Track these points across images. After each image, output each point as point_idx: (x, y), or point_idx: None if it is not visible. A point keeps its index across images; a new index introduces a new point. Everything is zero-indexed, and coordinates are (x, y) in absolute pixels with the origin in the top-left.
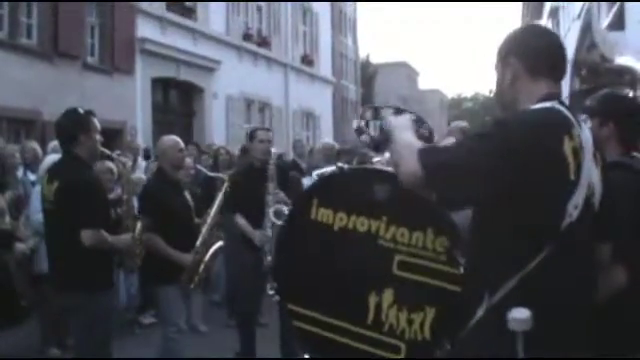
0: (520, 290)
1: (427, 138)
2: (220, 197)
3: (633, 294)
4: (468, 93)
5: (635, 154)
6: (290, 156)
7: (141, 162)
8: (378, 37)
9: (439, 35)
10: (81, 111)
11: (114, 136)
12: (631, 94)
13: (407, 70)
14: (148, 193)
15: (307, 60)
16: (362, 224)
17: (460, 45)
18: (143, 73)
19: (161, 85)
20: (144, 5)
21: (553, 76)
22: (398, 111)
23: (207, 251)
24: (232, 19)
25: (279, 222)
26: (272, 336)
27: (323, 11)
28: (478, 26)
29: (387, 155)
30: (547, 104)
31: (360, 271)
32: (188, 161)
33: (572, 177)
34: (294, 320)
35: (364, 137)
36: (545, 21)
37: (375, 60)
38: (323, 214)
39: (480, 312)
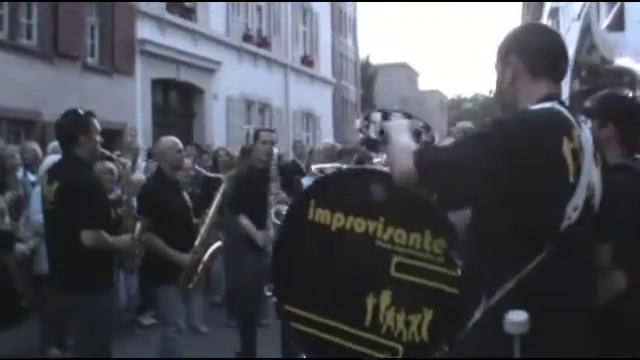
0: (518, 292)
1: (430, 144)
2: (218, 197)
3: (633, 297)
4: (468, 94)
5: (638, 156)
6: (290, 157)
7: (141, 163)
8: (378, 38)
9: (439, 35)
10: (81, 112)
11: (114, 137)
12: (630, 95)
13: (407, 71)
14: (147, 193)
15: (307, 61)
16: (360, 225)
17: (460, 46)
18: (143, 74)
19: (161, 86)
20: (144, 6)
21: (554, 76)
22: (407, 116)
23: (206, 251)
24: (232, 20)
25: (279, 222)
26: (273, 336)
27: (323, 12)
28: (478, 26)
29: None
30: (547, 104)
31: (358, 272)
32: (187, 162)
33: (571, 179)
34: (291, 321)
35: (362, 136)
36: (545, 21)
37: (375, 61)
38: (320, 215)
39: (477, 314)
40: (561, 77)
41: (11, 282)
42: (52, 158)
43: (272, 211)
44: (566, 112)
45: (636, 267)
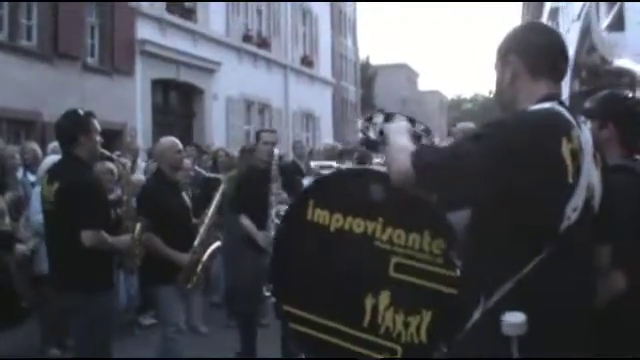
0: (516, 293)
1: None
2: (218, 198)
3: (633, 298)
4: (468, 94)
5: (638, 157)
6: (290, 157)
7: (141, 163)
8: (378, 38)
9: (439, 36)
10: (81, 112)
11: (114, 137)
12: (630, 95)
13: (407, 71)
14: (146, 194)
15: (307, 61)
16: (358, 225)
17: (460, 46)
18: (143, 74)
19: (161, 86)
20: (144, 6)
21: (554, 76)
22: (410, 120)
23: (205, 251)
24: (232, 20)
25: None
26: (273, 336)
27: (323, 12)
28: (478, 27)
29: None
30: (546, 105)
31: (356, 273)
32: (187, 162)
33: (570, 180)
34: (290, 322)
35: (362, 136)
36: (545, 22)
37: (375, 61)
38: (319, 215)
39: (476, 315)
40: (561, 77)
41: (11, 282)
42: (52, 158)
43: (273, 211)
44: (566, 112)
45: (636, 268)
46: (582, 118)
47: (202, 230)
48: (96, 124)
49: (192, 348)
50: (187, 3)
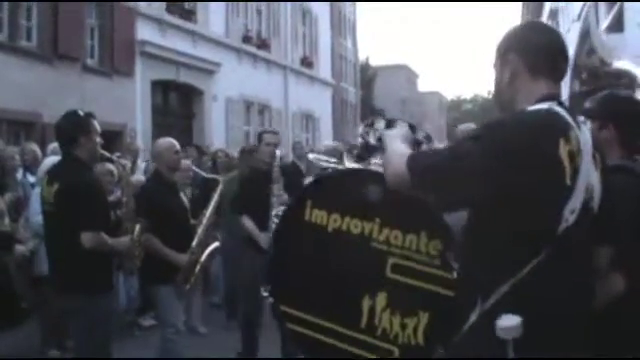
0: (513, 295)
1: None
2: (216, 198)
3: (632, 300)
4: (467, 95)
5: (638, 157)
6: (290, 158)
7: (141, 164)
8: (377, 39)
9: (438, 36)
10: (81, 113)
11: (114, 138)
12: (630, 96)
13: (407, 72)
14: (144, 195)
15: (306, 62)
16: (356, 226)
17: (459, 47)
18: (143, 75)
19: (161, 87)
20: (144, 7)
21: (553, 76)
22: (411, 127)
23: (203, 252)
24: (232, 21)
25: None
26: (273, 336)
27: (322, 13)
28: (478, 27)
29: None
30: (544, 105)
31: (354, 273)
32: (187, 163)
33: (568, 182)
34: (287, 322)
35: (361, 141)
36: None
37: (374, 62)
38: (317, 215)
39: (473, 317)
40: (561, 77)
41: (11, 283)
42: (51, 159)
43: (274, 213)
44: (564, 113)
45: (635, 269)
46: (582, 118)
47: (200, 231)
48: (96, 125)
49: (191, 349)
50: (187, 4)
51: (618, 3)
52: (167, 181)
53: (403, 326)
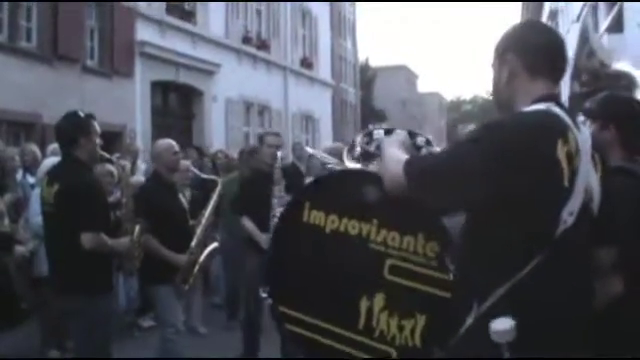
0: (510, 298)
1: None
2: (214, 199)
3: (631, 301)
4: (467, 96)
5: (639, 158)
6: (290, 159)
7: (140, 165)
8: (377, 39)
9: (438, 37)
10: (81, 114)
11: (113, 139)
12: (631, 97)
13: (406, 73)
14: (143, 195)
15: (306, 63)
16: (353, 227)
17: (459, 47)
18: (142, 76)
19: (160, 88)
20: (143, 8)
21: (552, 76)
22: (411, 134)
23: (202, 252)
24: (231, 22)
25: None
26: (273, 337)
27: (322, 14)
28: (477, 27)
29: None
30: (541, 106)
31: (352, 275)
32: (186, 164)
33: (566, 183)
34: (286, 323)
35: (359, 150)
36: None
37: (374, 63)
38: (315, 216)
39: (469, 320)
40: (560, 77)
41: (11, 284)
42: (51, 160)
43: (275, 214)
44: (563, 114)
45: (635, 271)
46: (581, 118)
47: (199, 231)
48: (96, 126)
49: (192, 349)
50: (186, 5)
51: (618, 3)
52: (166, 182)
53: (400, 328)
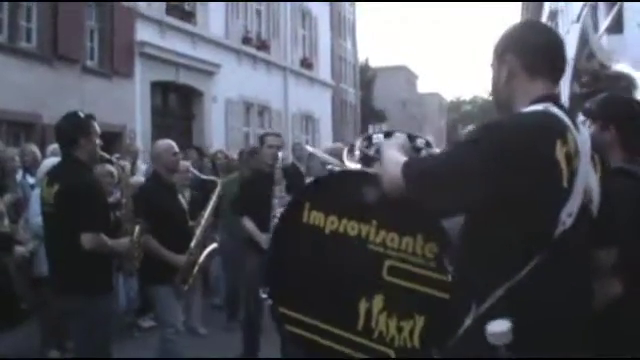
0: (508, 300)
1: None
2: (214, 200)
3: (630, 302)
4: (467, 96)
5: (639, 159)
6: (289, 159)
7: (140, 165)
8: (377, 39)
9: (438, 37)
10: (81, 115)
11: (113, 140)
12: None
13: (406, 74)
14: (143, 196)
15: (306, 63)
16: (352, 228)
17: (459, 48)
18: (142, 77)
19: (160, 89)
20: (143, 8)
21: (551, 76)
22: (410, 137)
23: (201, 253)
24: (231, 22)
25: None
26: (273, 337)
27: (322, 14)
28: (477, 28)
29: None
30: (540, 106)
31: (351, 275)
32: (185, 164)
33: (565, 184)
34: (285, 324)
35: (359, 154)
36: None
37: (374, 64)
38: (315, 217)
39: (467, 321)
40: (559, 77)
41: (11, 284)
42: (51, 161)
43: (276, 214)
44: (562, 114)
45: (635, 272)
46: (581, 119)
47: (198, 232)
48: (96, 126)
49: (191, 349)
50: (186, 5)
51: (618, 3)
52: (165, 182)
53: (399, 329)
